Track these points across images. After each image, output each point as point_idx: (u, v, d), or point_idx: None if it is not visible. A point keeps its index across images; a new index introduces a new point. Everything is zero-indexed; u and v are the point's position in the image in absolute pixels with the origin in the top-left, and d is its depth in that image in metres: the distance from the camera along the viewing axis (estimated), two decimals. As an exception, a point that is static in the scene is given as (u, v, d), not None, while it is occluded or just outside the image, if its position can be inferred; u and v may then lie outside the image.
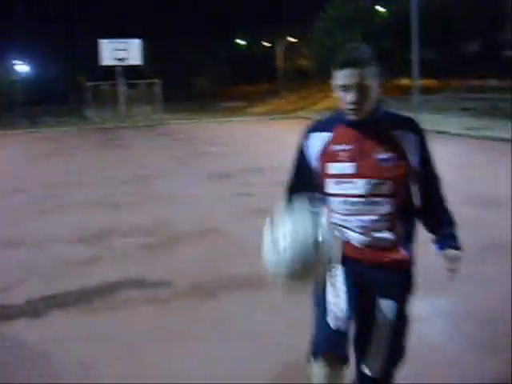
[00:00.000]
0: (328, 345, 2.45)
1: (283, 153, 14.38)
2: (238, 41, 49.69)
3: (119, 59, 26.42)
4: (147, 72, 30.05)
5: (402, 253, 2.53)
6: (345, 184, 2.48)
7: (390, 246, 2.50)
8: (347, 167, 2.47)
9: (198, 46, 41.75)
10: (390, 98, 33.29)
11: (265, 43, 47.89)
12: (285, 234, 2.20)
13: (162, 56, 36.54)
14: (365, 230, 2.48)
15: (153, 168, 12.63)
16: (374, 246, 2.50)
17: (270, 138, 19.40)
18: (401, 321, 2.57)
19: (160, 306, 4.64)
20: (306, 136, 2.62)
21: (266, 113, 33.37)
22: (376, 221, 2.47)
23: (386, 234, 2.49)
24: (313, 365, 2.46)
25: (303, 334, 2.78)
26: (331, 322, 2.45)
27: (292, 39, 42.33)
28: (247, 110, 36.05)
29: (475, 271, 4.82)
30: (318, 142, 2.56)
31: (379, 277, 2.53)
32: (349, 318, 2.47)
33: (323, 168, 2.54)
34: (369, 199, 2.45)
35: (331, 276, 2.48)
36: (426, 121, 22.02)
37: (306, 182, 2.62)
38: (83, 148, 18.01)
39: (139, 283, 5.14)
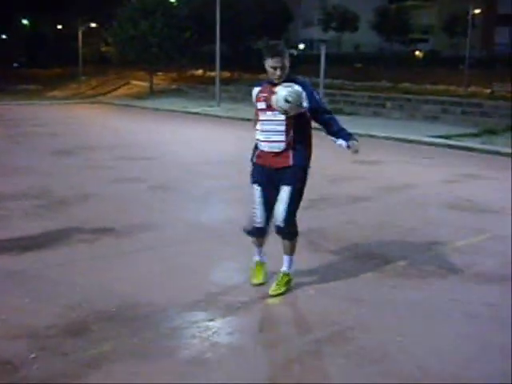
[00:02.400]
0: (252, 232, 4.77)
1: (103, 134, 15.68)
2: (25, 22, 47.87)
3: None
4: None
5: (291, 157, 4.44)
6: (262, 113, 4.49)
7: (283, 152, 4.44)
8: (263, 104, 4.49)
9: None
10: (189, 86, 35.28)
11: (61, 26, 46.92)
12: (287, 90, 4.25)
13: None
14: (269, 140, 4.45)
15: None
16: (273, 151, 4.47)
17: (85, 121, 20.23)
18: (295, 195, 4.50)
19: (90, 244, 5.86)
20: (253, 90, 4.63)
21: (65, 97, 33.31)
22: (275, 135, 4.42)
23: (281, 144, 4.42)
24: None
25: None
26: (253, 222, 4.68)
27: (93, 24, 42.23)
28: (46, 93, 35.50)
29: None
30: (255, 92, 4.60)
31: (278, 173, 4.49)
32: (262, 220, 4.62)
33: (256, 105, 4.56)
34: (273, 121, 4.42)
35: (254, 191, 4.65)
36: (230, 109, 24.42)
37: None
38: None
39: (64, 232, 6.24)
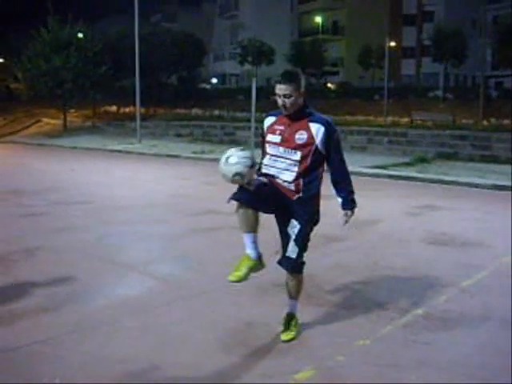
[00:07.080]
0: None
1: (27, 176, 14.40)
2: None
3: None
4: None
5: (299, 195, 4.01)
6: (273, 147, 4.04)
7: (292, 189, 3.99)
8: (277, 138, 4.02)
9: None
10: (105, 123, 34.04)
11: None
12: (235, 156, 3.77)
13: None
14: (277, 178, 4.01)
15: None
16: (283, 187, 4.01)
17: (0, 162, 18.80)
18: (302, 232, 4.12)
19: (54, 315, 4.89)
20: (266, 118, 4.23)
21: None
22: (285, 174, 3.98)
23: (289, 184, 3.98)
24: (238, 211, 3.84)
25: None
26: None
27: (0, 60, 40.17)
28: None
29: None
30: (269, 122, 4.17)
31: (288, 205, 4.04)
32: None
33: (267, 136, 4.13)
34: (285, 159, 3.98)
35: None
36: (153, 146, 23.53)
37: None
38: None
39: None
